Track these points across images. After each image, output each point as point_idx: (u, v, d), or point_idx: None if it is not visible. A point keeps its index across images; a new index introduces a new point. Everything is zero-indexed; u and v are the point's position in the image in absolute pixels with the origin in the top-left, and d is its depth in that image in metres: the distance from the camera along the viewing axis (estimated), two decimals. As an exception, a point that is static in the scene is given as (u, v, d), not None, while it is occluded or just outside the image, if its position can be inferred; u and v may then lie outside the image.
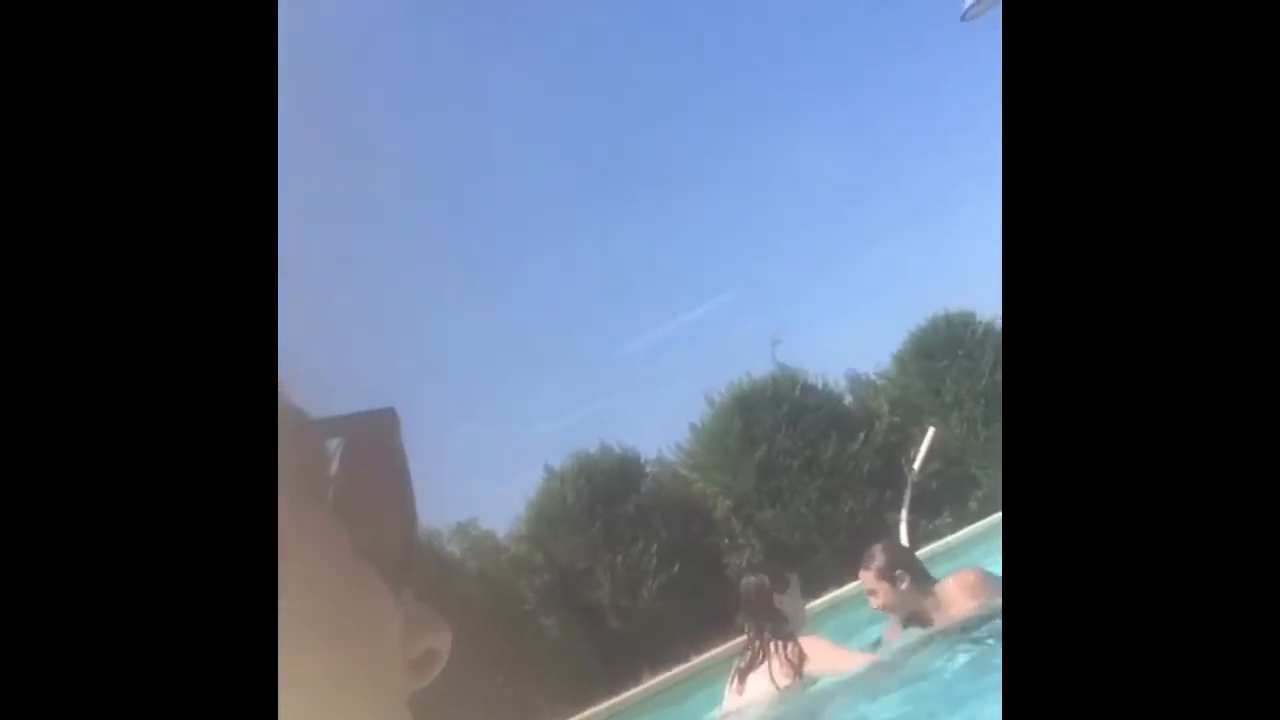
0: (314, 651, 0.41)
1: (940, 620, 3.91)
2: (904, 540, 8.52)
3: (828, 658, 3.86)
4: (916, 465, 9.09)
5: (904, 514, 8.83)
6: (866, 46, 18.05)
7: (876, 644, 4.20)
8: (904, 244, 17.45)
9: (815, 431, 9.40)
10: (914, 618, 3.99)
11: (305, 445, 0.45)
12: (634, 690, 7.85)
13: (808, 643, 3.87)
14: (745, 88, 18.12)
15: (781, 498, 9.28)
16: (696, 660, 7.84)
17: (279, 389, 0.42)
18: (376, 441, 0.48)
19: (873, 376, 10.34)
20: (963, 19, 11.13)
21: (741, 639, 4.27)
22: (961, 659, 3.52)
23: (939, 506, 9.09)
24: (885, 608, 4.06)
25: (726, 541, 9.54)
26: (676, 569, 9.11)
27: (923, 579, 4.07)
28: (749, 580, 4.07)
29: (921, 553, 7.40)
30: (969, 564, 4.35)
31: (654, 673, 8.09)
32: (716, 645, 7.81)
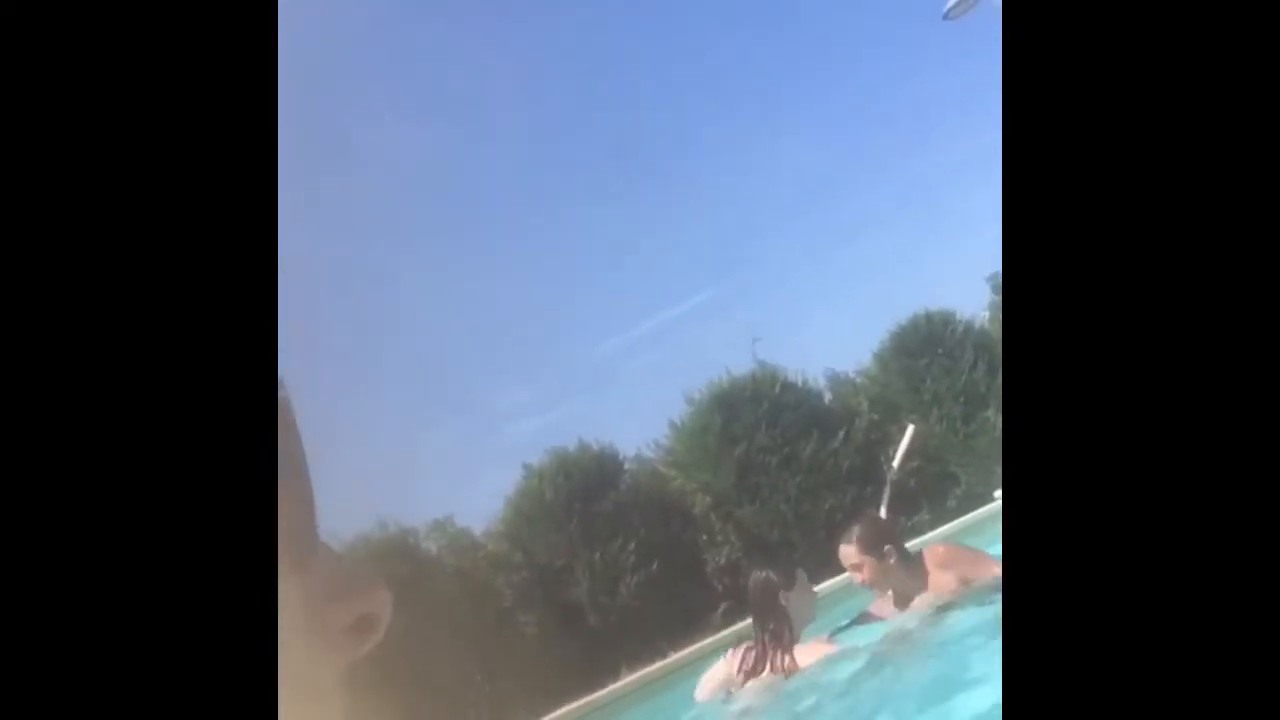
0: None
1: (921, 596, 3.90)
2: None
3: (810, 654, 3.84)
4: (896, 463, 9.12)
5: (883, 511, 8.87)
6: (845, 44, 18.15)
7: (860, 618, 4.17)
8: (884, 242, 17.56)
9: (795, 429, 9.41)
10: (900, 595, 3.97)
11: None
12: (612, 687, 7.84)
13: (803, 651, 3.84)
14: (725, 86, 18.18)
15: (761, 495, 9.29)
16: (675, 657, 7.83)
17: None
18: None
19: (852, 374, 10.38)
20: (945, 17, 11.19)
21: (719, 635, 4.26)
22: (971, 623, 3.51)
23: (918, 504, 9.12)
24: (871, 583, 4.02)
25: (705, 538, 9.54)
26: (655, 566, 9.11)
27: (905, 555, 4.06)
28: (756, 576, 4.04)
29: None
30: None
31: (632, 669, 8.08)
32: (694, 642, 7.81)
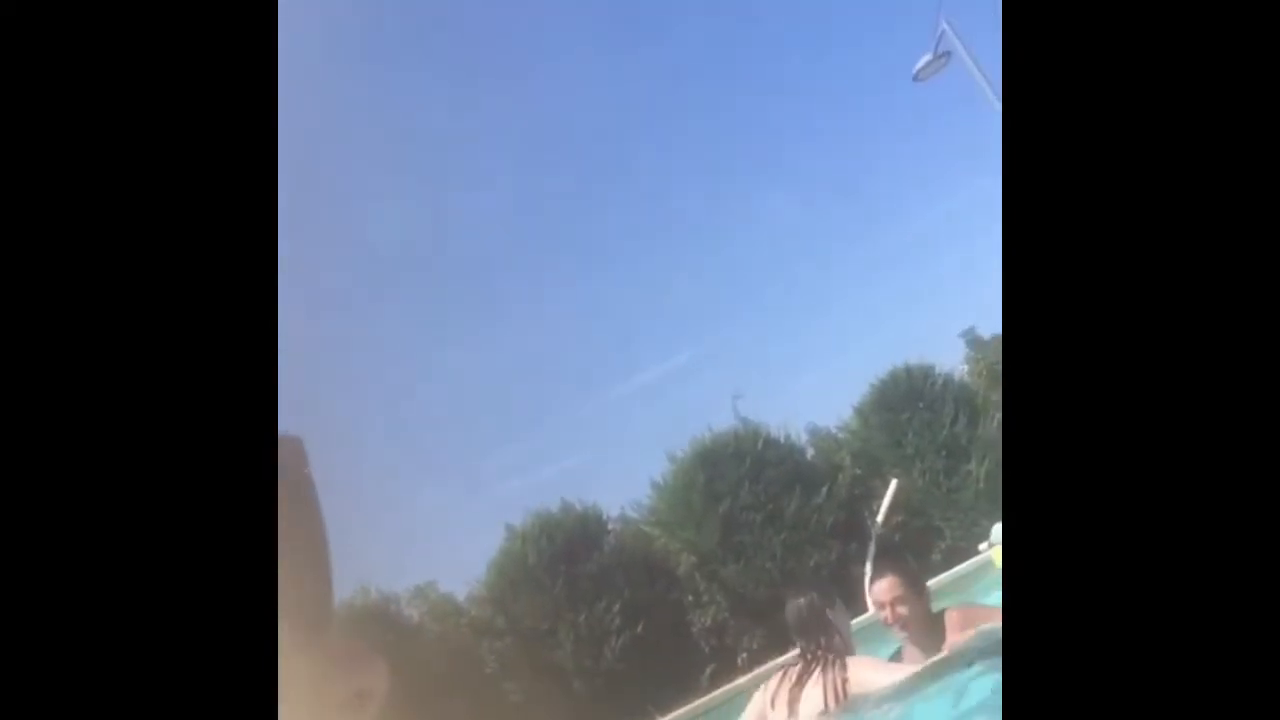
0: None
1: (941, 649, 3.83)
2: (869, 593, 8.50)
3: (871, 675, 3.78)
4: (880, 518, 9.10)
5: (868, 567, 8.82)
6: (822, 107, 18.49)
7: (896, 654, 4.09)
8: (862, 299, 17.72)
9: (778, 486, 9.38)
10: (921, 645, 3.90)
11: None
12: (598, 754, 7.68)
13: (854, 663, 3.80)
14: (706, 147, 18.44)
15: (745, 553, 9.22)
16: (661, 721, 7.71)
17: None
18: (284, 471, 0.44)
19: (834, 430, 10.39)
20: (914, 79, 11.43)
21: (707, 697, 4.19)
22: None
23: (903, 559, 9.08)
24: (902, 624, 3.93)
25: (691, 599, 9.45)
26: (640, 628, 8.99)
27: (930, 603, 4.02)
28: (797, 601, 3.97)
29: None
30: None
31: (619, 735, 7.94)
32: (681, 705, 7.69)
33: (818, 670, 3.74)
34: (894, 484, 9.11)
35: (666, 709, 7.86)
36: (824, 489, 9.44)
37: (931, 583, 8.22)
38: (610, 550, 9.48)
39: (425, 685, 8.27)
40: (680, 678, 8.64)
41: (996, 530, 6.88)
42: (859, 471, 9.76)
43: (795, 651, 4.09)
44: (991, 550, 6.70)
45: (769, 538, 9.20)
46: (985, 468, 9.07)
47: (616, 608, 9.00)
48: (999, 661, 3.53)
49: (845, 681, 3.68)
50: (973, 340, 11.34)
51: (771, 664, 7.11)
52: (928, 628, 3.84)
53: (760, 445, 9.68)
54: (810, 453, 10.19)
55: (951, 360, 10.98)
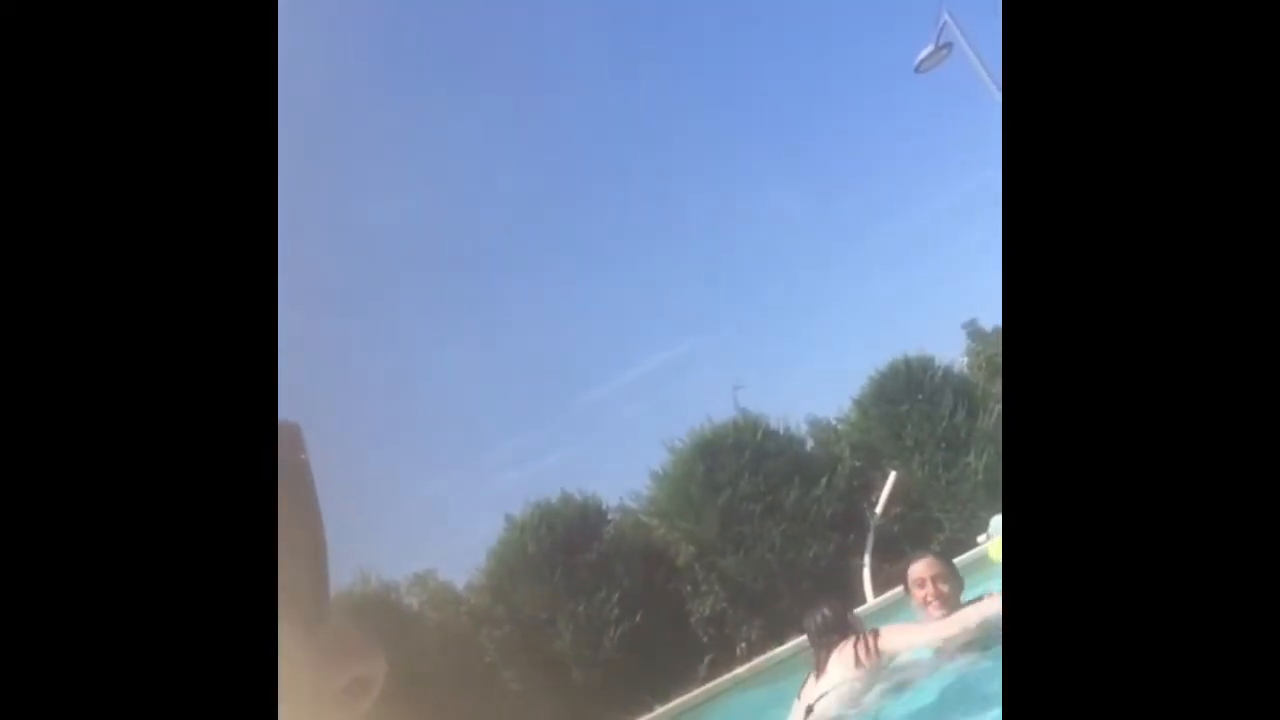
0: None
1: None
2: (867, 584, 8.52)
3: (903, 636, 3.85)
4: (879, 509, 9.11)
5: (867, 558, 8.83)
6: (825, 101, 18.42)
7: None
8: (863, 290, 17.69)
9: (777, 477, 9.39)
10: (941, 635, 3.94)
11: None
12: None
13: (885, 629, 3.88)
14: (709, 139, 18.39)
15: (744, 544, 9.23)
16: (660, 710, 7.73)
17: None
18: (280, 456, 0.45)
19: (834, 421, 10.38)
20: (916, 70, 11.40)
21: (705, 687, 4.21)
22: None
23: (902, 550, 9.10)
24: (943, 602, 3.98)
25: (690, 589, 9.46)
26: (639, 618, 9.01)
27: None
28: (816, 618, 4.06)
29: (886, 596, 7.40)
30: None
31: (617, 724, 7.96)
32: (680, 695, 7.72)
33: (848, 644, 3.82)
34: (893, 476, 9.13)
35: (665, 698, 7.89)
36: (823, 480, 9.45)
37: (930, 574, 8.20)
38: (609, 540, 9.50)
39: (424, 674, 8.29)
40: (679, 667, 8.66)
41: (995, 522, 6.89)
42: (858, 463, 9.76)
43: (794, 643, 4.13)
44: (989, 542, 6.71)
45: (768, 528, 9.20)
46: (984, 460, 9.07)
47: (615, 597, 9.01)
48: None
49: (877, 642, 3.77)
50: (974, 332, 11.34)
51: (770, 654, 7.13)
52: (951, 618, 3.89)
53: (760, 436, 9.68)
54: (810, 444, 10.19)
55: (951, 352, 10.98)
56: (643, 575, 9.31)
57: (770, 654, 7.65)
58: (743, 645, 8.98)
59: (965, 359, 10.96)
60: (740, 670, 7.74)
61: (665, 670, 8.59)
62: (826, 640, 4.01)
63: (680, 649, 9.04)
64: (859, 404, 10.10)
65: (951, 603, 3.98)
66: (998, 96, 9.93)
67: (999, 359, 10.09)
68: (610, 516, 9.88)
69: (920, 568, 4.09)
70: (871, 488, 9.48)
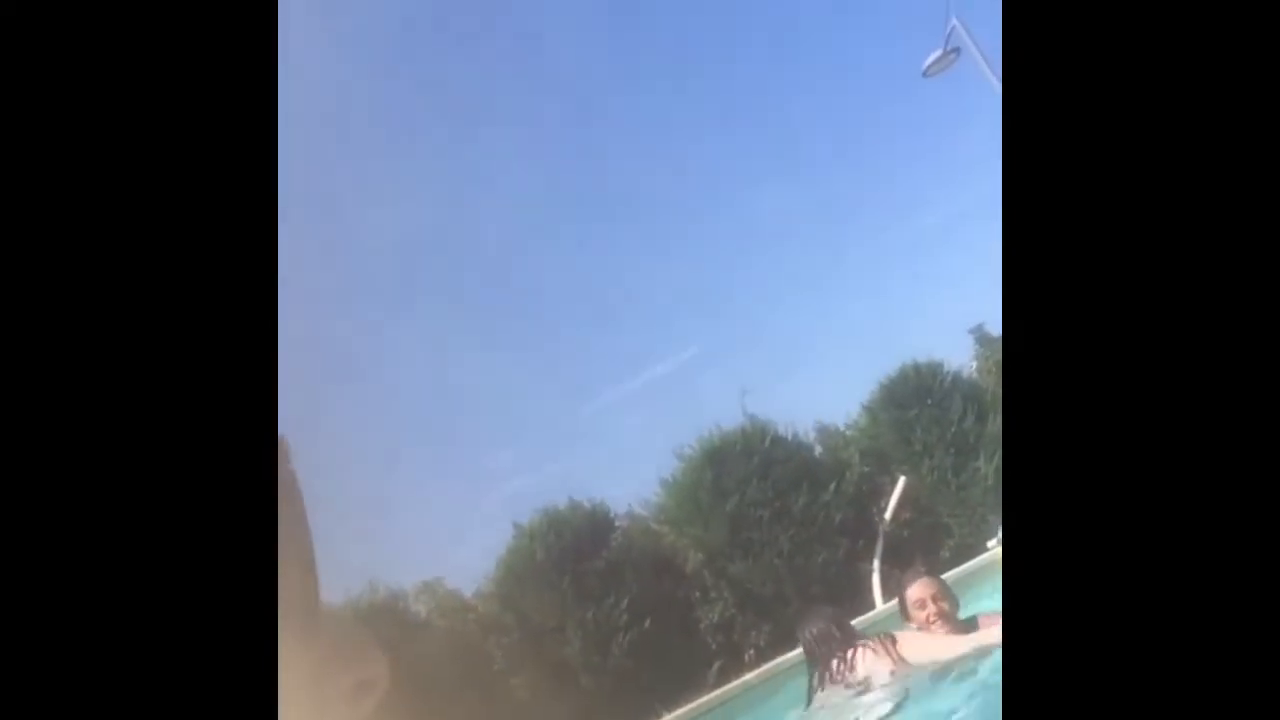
0: None
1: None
2: (876, 590, 8.49)
3: (925, 648, 3.78)
4: (888, 515, 9.08)
5: (876, 564, 8.80)
6: (831, 104, 18.44)
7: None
8: (871, 295, 17.68)
9: (786, 482, 9.37)
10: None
11: None
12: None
13: (903, 637, 3.80)
14: (717, 144, 18.42)
15: (753, 550, 9.22)
16: (668, 717, 7.71)
17: None
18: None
19: (842, 427, 10.36)
20: (924, 74, 11.41)
21: (714, 694, 4.19)
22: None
23: (911, 556, 9.07)
24: (945, 620, 3.92)
25: (698, 595, 9.44)
26: (648, 625, 9.00)
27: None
28: (810, 632, 4.00)
29: (894, 603, 7.38)
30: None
31: (626, 732, 7.94)
32: (688, 702, 7.69)
33: (866, 650, 3.76)
34: (902, 481, 9.11)
35: (673, 705, 7.86)
36: (832, 486, 9.43)
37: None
38: (618, 547, 9.48)
39: (432, 681, 8.28)
40: (687, 674, 8.64)
41: (1005, 527, 6.86)
42: (867, 469, 9.74)
43: (801, 649, 4.10)
44: (1000, 548, 6.68)
45: (777, 535, 9.18)
46: (994, 465, 9.04)
47: (624, 604, 9.00)
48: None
49: (896, 644, 3.70)
50: (982, 337, 11.31)
51: (779, 660, 7.11)
52: (962, 628, 3.85)
53: (768, 442, 9.66)
54: (818, 450, 10.17)
55: (961, 357, 10.95)
56: (651, 582, 9.29)
57: (779, 660, 7.63)
58: (751, 652, 8.96)
59: (974, 364, 10.93)
60: (749, 676, 7.72)
61: (674, 677, 8.57)
62: (825, 650, 3.96)
63: (689, 655, 9.02)
64: (868, 409, 10.08)
65: (953, 620, 3.93)
66: (1005, 100, 9.90)
67: (1008, 364, 10.02)
68: (618, 523, 9.87)
69: (919, 589, 4.01)
70: (880, 493, 9.45)
